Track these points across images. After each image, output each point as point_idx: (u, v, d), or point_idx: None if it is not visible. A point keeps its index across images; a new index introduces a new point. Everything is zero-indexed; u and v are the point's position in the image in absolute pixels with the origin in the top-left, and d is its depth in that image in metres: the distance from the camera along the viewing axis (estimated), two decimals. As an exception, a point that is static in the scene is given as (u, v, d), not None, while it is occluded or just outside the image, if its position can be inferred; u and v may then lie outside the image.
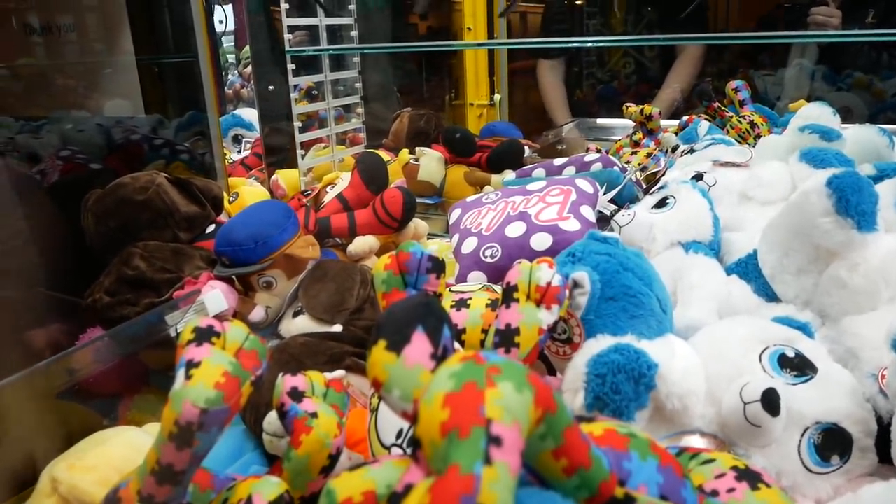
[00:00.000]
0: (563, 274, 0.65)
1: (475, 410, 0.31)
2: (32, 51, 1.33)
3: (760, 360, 0.65)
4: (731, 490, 0.46)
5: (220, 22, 2.80)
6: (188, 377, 0.45)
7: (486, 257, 1.02)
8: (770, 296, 0.82)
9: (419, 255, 0.67)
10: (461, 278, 1.04)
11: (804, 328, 0.70)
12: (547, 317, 0.62)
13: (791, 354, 0.65)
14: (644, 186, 1.35)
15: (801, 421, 0.61)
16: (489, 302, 0.80)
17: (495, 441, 0.30)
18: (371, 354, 0.39)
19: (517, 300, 0.62)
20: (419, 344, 0.39)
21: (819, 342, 0.70)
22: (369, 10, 2.21)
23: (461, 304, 0.79)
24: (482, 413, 0.31)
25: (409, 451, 0.60)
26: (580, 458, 0.36)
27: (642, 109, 1.64)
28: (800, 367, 0.64)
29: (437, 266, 0.67)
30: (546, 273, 0.62)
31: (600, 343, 0.65)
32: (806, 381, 0.63)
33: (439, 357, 0.39)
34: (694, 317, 0.78)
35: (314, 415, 0.55)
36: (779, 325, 0.70)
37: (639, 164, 1.50)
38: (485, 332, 0.76)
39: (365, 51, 1.72)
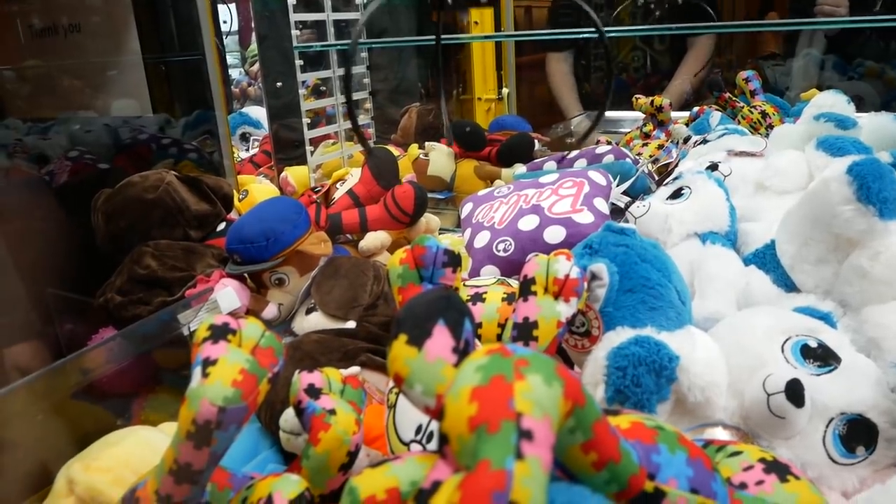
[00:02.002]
0: (581, 266, 0.64)
1: (504, 404, 0.30)
2: (39, 52, 1.32)
3: (783, 350, 0.64)
4: (759, 482, 0.45)
5: (224, 22, 2.80)
6: (205, 375, 0.45)
7: (498, 251, 1.01)
8: (789, 286, 0.80)
9: (435, 249, 0.66)
10: (474, 272, 1.03)
11: (826, 318, 0.69)
12: (565, 309, 0.61)
13: (814, 345, 0.64)
14: (656, 178, 1.34)
15: (826, 412, 0.60)
16: (505, 296, 0.79)
17: (526, 435, 0.29)
18: (392, 349, 0.38)
19: (535, 293, 0.61)
20: (441, 338, 0.38)
21: (841, 332, 0.69)
22: (387, 4, 2.21)
23: (476, 298, 0.79)
24: (512, 407, 0.30)
25: (428, 447, 0.60)
26: (609, 452, 0.35)
27: (652, 101, 1.62)
28: (823, 357, 0.63)
29: (453, 260, 0.66)
30: (564, 265, 0.61)
31: (620, 335, 0.64)
32: (830, 371, 0.62)
33: (461, 351, 0.38)
34: (713, 308, 0.77)
35: (332, 412, 0.54)
36: (801, 315, 0.69)
37: (650, 156, 1.49)
38: (501, 326, 0.76)
39: (372, 45, 1.71)
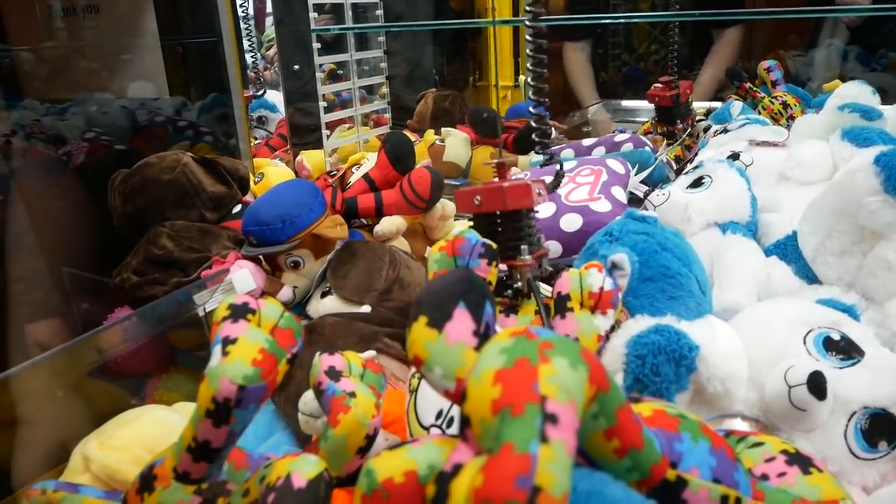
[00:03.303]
0: (601, 254, 0.63)
1: (529, 387, 0.30)
2: (56, 33, 1.32)
3: (805, 342, 0.63)
4: (781, 474, 0.45)
5: (241, 6, 2.79)
6: (225, 354, 0.45)
7: (515, 238, 1.00)
8: (811, 278, 0.79)
9: (474, 241, 0.66)
10: (490, 259, 1.02)
11: (850, 311, 0.68)
12: (604, 322, 0.60)
13: (837, 337, 0.63)
14: (675, 168, 1.33)
15: (848, 406, 0.59)
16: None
17: (551, 419, 0.28)
18: (411, 331, 0.38)
19: (571, 309, 0.61)
20: (461, 320, 0.37)
21: (865, 325, 0.68)
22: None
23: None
24: (536, 390, 0.29)
25: (448, 431, 0.59)
26: (632, 439, 0.35)
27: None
28: (846, 350, 0.62)
29: (490, 253, 0.66)
30: (597, 278, 0.60)
31: (639, 324, 0.63)
32: (852, 364, 0.61)
33: (482, 334, 0.38)
34: (732, 299, 0.77)
35: (352, 394, 0.54)
36: (824, 308, 0.68)
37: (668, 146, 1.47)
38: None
39: (390, 29, 1.70)
